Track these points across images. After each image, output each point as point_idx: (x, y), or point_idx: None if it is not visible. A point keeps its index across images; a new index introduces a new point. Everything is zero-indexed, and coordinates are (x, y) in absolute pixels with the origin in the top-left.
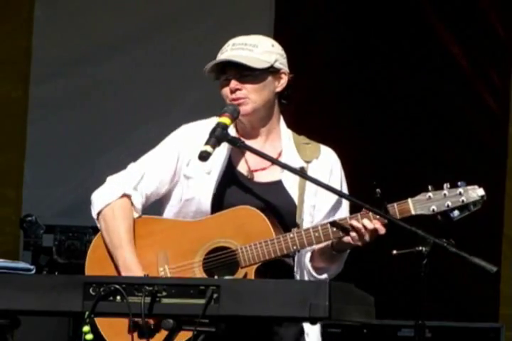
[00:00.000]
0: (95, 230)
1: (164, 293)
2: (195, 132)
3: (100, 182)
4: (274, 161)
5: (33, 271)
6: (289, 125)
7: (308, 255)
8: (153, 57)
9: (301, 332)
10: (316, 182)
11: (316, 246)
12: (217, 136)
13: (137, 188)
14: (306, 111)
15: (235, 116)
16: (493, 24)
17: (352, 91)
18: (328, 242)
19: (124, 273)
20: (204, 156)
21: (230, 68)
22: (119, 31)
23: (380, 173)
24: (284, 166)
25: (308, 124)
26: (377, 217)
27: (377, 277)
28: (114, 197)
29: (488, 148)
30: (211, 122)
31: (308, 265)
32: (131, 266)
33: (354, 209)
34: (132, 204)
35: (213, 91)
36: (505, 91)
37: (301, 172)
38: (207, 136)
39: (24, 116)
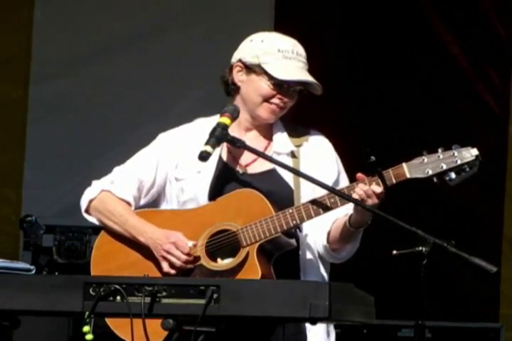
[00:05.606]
0: (95, 230)
1: (164, 293)
2: (177, 134)
3: None
4: (271, 159)
5: (33, 271)
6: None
7: (325, 236)
8: (153, 57)
9: (302, 329)
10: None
11: (332, 226)
12: (217, 136)
13: (114, 182)
14: (306, 109)
15: (234, 116)
16: (493, 24)
17: (352, 90)
18: (346, 220)
19: (143, 239)
20: (204, 156)
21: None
22: (118, 31)
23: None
24: (278, 163)
25: (308, 122)
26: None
27: (377, 277)
28: (95, 193)
29: (488, 148)
30: (193, 124)
31: (326, 245)
32: (145, 228)
33: None
34: (116, 196)
35: (213, 90)
36: (505, 91)
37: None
38: (188, 134)
39: (24, 116)
